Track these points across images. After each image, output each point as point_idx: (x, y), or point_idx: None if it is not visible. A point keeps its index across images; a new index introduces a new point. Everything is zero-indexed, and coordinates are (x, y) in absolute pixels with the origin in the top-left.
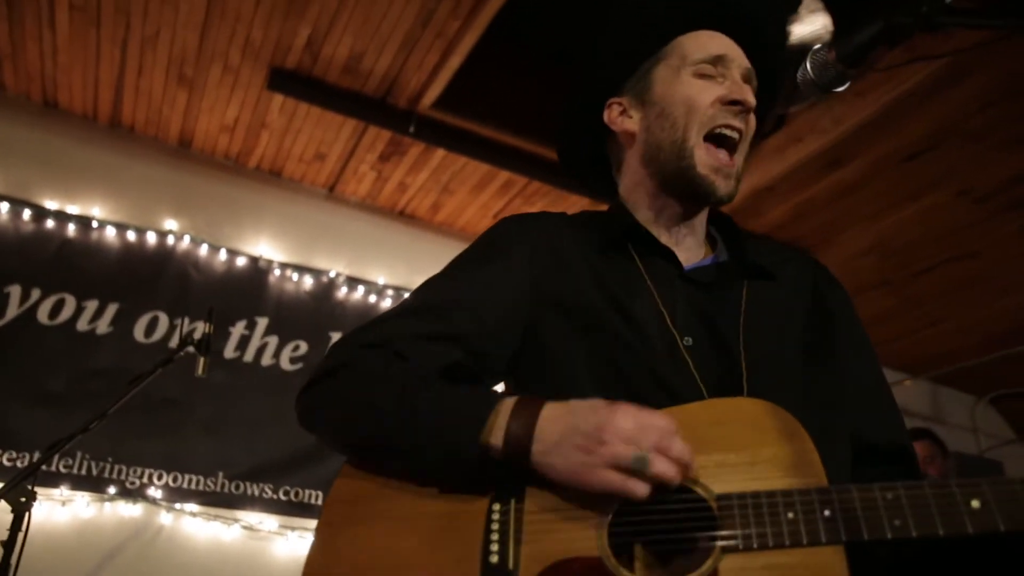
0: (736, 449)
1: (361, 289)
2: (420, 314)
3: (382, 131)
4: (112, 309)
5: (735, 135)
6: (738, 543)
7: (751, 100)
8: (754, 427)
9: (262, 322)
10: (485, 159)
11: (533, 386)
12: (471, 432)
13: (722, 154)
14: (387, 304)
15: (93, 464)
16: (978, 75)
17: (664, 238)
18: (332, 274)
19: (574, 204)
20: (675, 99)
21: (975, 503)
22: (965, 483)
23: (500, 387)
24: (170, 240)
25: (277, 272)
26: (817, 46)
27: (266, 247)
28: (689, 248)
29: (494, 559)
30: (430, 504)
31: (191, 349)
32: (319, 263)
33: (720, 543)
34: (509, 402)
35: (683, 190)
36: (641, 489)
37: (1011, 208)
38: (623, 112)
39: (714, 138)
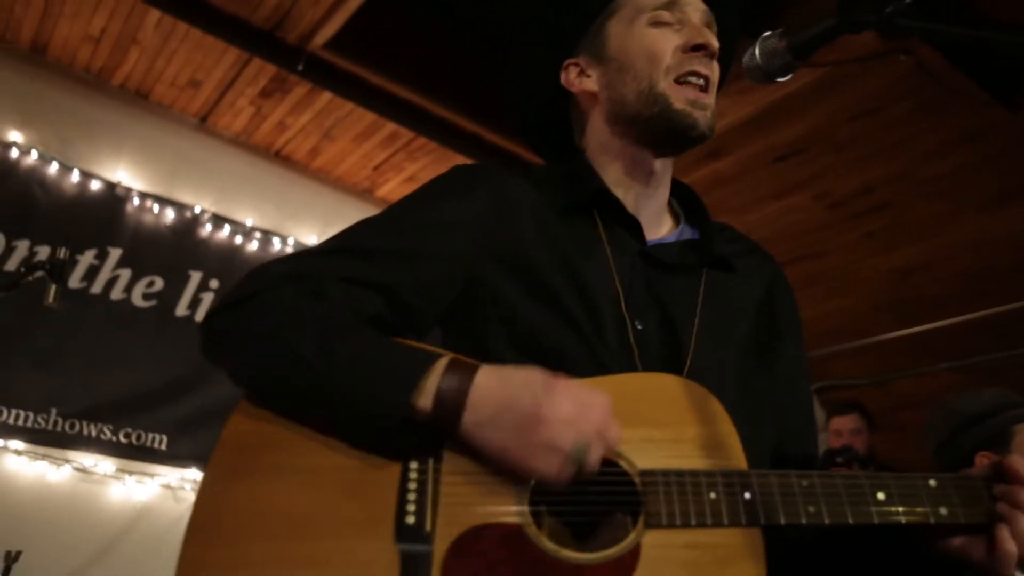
0: (661, 426)
1: (227, 228)
2: (349, 255)
3: (267, 65)
4: None
5: (701, 82)
6: (661, 519)
7: (714, 43)
8: (680, 406)
9: (115, 253)
10: (372, 108)
11: (465, 347)
12: (400, 391)
13: (694, 90)
14: (254, 247)
15: None
16: (851, 88)
17: (630, 204)
18: (197, 210)
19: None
20: (634, 51)
21: (881, 495)
22: (872, 476)
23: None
24: (13, 153)
25: (136, 201)
26: (767, 33)
27: (125, 173)
28: (653, 216)
29: (410, 520)
30: (340, 457)
31: (40, 274)
32: (183, 196)
33: (643, 518)
34: (441, 362)
35: (658, 135)
36: (569, 474)
37: (856, 216)
38: (581, 73)
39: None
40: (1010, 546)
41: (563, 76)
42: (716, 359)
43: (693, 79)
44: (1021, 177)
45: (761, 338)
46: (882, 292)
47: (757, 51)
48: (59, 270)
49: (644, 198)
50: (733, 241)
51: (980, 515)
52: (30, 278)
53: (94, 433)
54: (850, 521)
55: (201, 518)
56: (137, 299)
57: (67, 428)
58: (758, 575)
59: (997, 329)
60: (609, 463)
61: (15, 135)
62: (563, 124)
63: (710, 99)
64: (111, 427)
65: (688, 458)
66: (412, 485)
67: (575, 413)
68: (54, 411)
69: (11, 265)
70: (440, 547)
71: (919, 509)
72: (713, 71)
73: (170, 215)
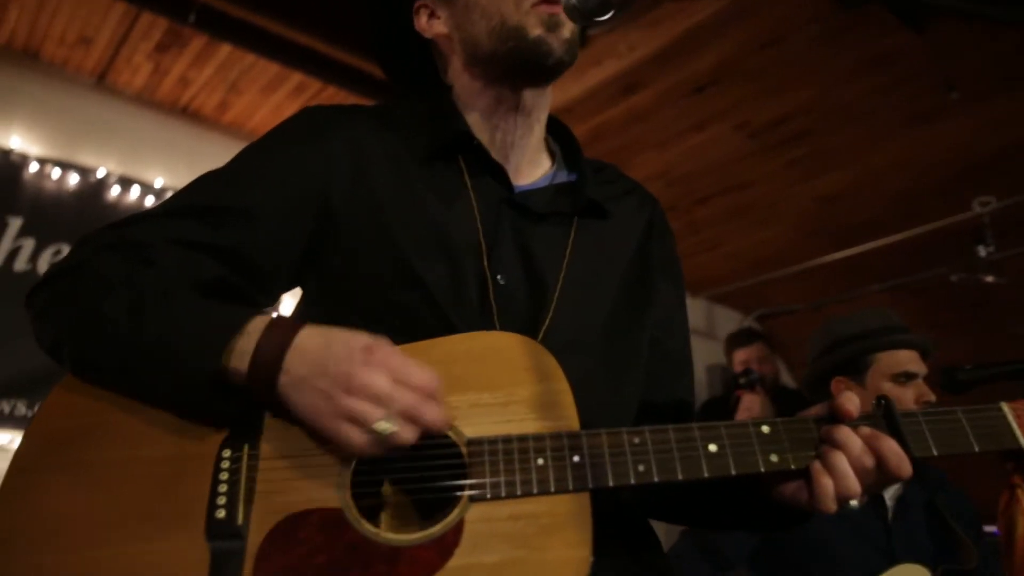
0: (491, 388)
1: (136, 190)
2: (183, 216)
3: (158, 18)
4: None
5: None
6: (486, 492)
7: None
8: (511, 366)
9: (15, 222)
10: (275, 58)
11: (315, 307)
12: (207, 353)
13: (545, 5)
14: None
15: None
16: (758, 16)
17: (497, 145)
18: (101, 172)
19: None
20: None
21: (712, 447)
22: (706, 427)
23: (292, 297)
24: None
25: (34, 167)
26: None
27: (19, 139)
28: (526, 158)
29: (220, 514)
30: (151, 449)
31: None
32: (86, 160)
33: (468, 492)
34: (260, 322)
35: (516, 70)
36: (376, 451)
37: (778, 145)
38: (432, 15)
39: None
40: (824, 479)
41: (416, 21)
42: (580, 313)
43: (545, 14)
44: (934, 98)
45: (633, 285)
46: (810, 219)
47: None
48: None
49: (513, 139)
50: (609, 183)
51: (809, 459)
52: None
53: (7, 409)
54: (680, 477)
55: None
56: (44, 269)
57: None
58: (582, 541)
59: (924, 248)
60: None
61: None
62: (432, 69)
63: (563, 16)
64: (25, 402)
65: (519, 421)
66: (224, 475)
67: (388, 388)
68: None
69: None
70: (254, 540)
71: (750, 459)
72: None
73: (73, 179)
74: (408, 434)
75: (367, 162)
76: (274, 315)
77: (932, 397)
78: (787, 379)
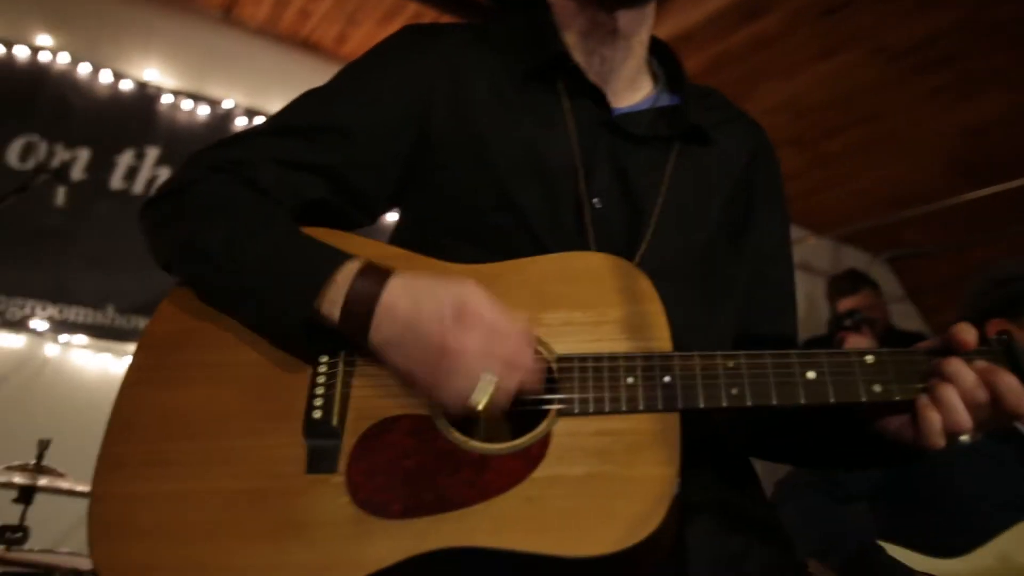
0: (583, 307)
1: (261, 121)
2: (285, 135)
3: None
4: None
5: None
6: (574, 407)
7: None
8: (604, 286)
9: (152, 152)
10: None
11: (408, 228)
12: (300, 298)
13: None
14: None
15: None
16: None
17: (595, 68)
18: (229, 104)
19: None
20: None
21: (811, 374)
22: (805, 354)
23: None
24: (44, 57)
25: (168, 99)
26: None
27: (155, 71)
28: (626, 81)
29: (317, 414)
30: (256, 353)
31: (48, 176)
32: (214, 92)
33: (556, 407)
34: (350, 268)
35: None
36: (474, 414)
37: (921, 70)
38: None
39: None
40: (931, 412)
41: None
42: (677, 239)
43: None
44: None
45: (734, 213)
46: (953, 152)
47: None
48: (64, 172)
49: (612, 61)
50: (714, 108)
51: (915, 391)
52: (39, 181)
53: None
54: (774, 402)
55: (120, 416)
56: None
57: (125, 323)
58: (670, 459)
59: None
60: None
61: (44, 38)
62: None
63: None
64: None
65: (610, 341)
66: (320, 379)
67: (483, 344)
68: (111, 307)
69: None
70: (348, 440)
71: (850, 388)
72: None
73: (203, 111)
74: (511, 381)
75: (466, 80)
76: (362, 262)
77: None
78: (917, 325)
